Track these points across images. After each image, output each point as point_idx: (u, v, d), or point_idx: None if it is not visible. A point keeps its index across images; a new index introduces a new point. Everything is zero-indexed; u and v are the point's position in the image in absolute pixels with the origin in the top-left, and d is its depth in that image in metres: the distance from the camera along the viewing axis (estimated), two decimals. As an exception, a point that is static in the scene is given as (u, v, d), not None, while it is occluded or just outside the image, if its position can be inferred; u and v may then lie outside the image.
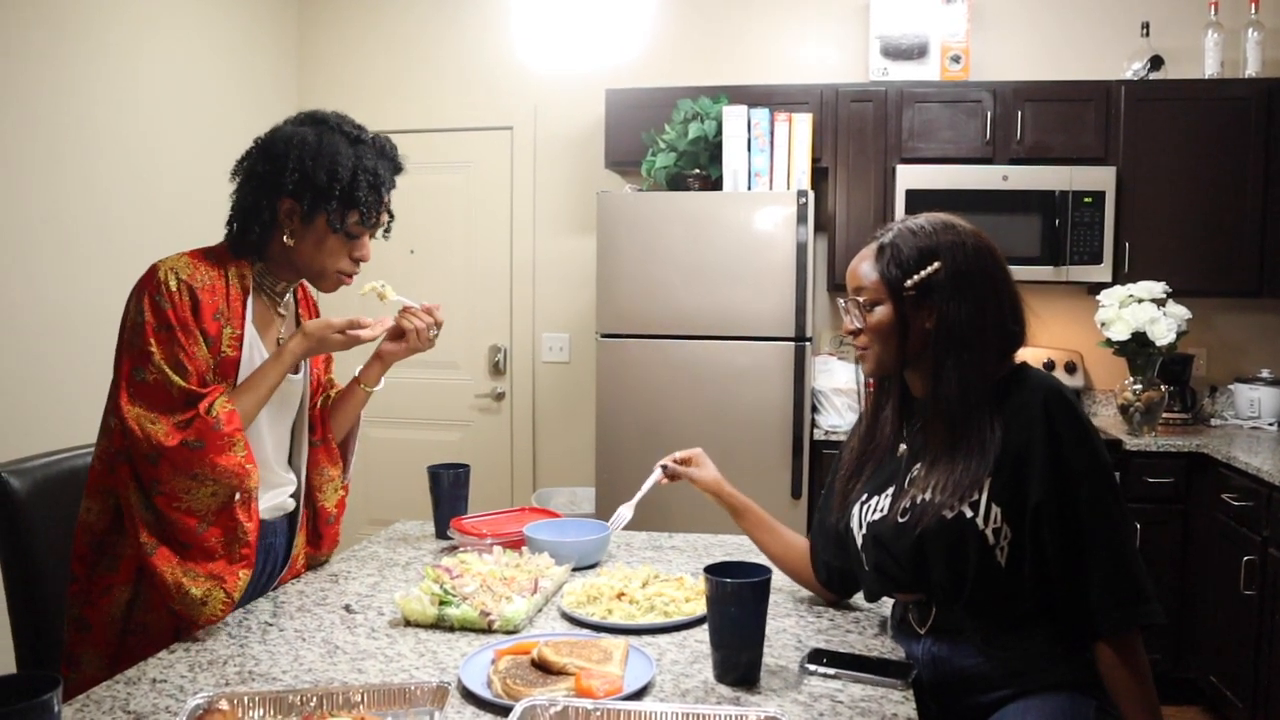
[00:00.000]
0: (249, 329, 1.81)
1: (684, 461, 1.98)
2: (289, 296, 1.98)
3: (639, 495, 2.04)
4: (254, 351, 1.81)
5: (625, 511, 2.08)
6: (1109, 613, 1.50)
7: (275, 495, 1.94)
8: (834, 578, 1.82)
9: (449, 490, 2.27)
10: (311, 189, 1.79)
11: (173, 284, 1.72)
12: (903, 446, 1.70)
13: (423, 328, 2.01)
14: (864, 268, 1.67)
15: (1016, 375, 1.64)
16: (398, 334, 2.03)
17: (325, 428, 2.08)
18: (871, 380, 1.77)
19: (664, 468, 1.99)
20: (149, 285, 1.73)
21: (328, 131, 1.84)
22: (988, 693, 1.57)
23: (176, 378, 1.69)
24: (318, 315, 2.08)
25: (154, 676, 1.48)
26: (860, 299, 1.66)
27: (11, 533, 1.87)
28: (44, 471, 1.92)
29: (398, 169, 1.93)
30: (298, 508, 2.01)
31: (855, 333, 1.68)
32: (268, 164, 1.81)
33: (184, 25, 3.95)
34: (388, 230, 1.96)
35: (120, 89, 3.52)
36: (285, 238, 1.83)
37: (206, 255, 1.82)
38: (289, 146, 1.81)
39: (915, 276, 1.61)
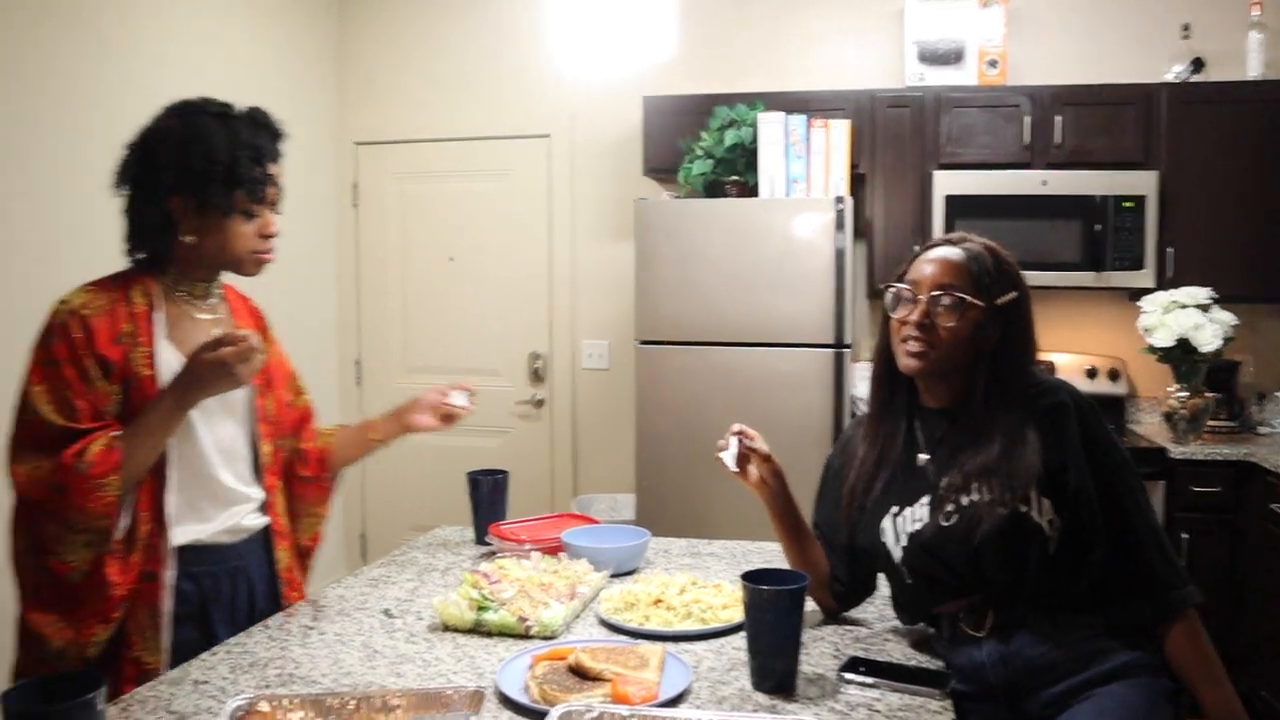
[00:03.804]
0: (159, 344, 1.72)
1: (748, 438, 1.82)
2: (216, 299, 1.87)
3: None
4: (169, 366, 1.71)
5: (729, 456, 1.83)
6: (1165, 594, 1.57)
7: (233, 514, 1.82)
8: (840, 587, 1.82)
9: (488, 496, 2.29)
10: (193, 178, 1.70)
11: (62, 316, 1.66)
12: (923, 456, 1.70)
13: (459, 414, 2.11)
14: (955, 268, 1.65)
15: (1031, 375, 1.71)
16: (435, 412, 2.08)
17: (321, 466, 2.02)
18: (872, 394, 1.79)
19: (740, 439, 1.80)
20: (45, 325, 1.68)
21: (194, 115, 1.75)
22: (1060, 681, 1.56)
23: (56, 417, 1.61)
24: (260, 321, 2.00)
25: (196, 678, 1.50)
26: (955, 295, 1.63)
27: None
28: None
29: (277, 137, 1.84)
30: (269, 524, 1.90)
31: (925, 327, 1.64)
32: (143, 167, 1.73)
33: (225, 35, 4.02)
34: (275, 203, 1.84)
35: (161, 101, 3.58)
36: (186, 236, 1.74)
37: (109, 281, 1.75)
38: (159, 142, 1.73)
39: (1005, 297, 1.65)
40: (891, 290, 1.71)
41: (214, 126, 1.73)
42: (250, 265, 1.81)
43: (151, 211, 1.73)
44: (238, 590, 1.83)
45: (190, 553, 1.74)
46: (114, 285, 1.74)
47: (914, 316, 1.65)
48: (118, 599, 1.64)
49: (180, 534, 1.72)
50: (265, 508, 1.89)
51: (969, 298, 1.63)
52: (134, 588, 1.66)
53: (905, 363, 1.67)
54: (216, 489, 1.79)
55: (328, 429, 2.10)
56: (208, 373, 1.64)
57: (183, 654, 1.65)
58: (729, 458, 1.78)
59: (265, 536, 1.89)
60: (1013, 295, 1.66)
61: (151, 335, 1.72)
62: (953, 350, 1.64)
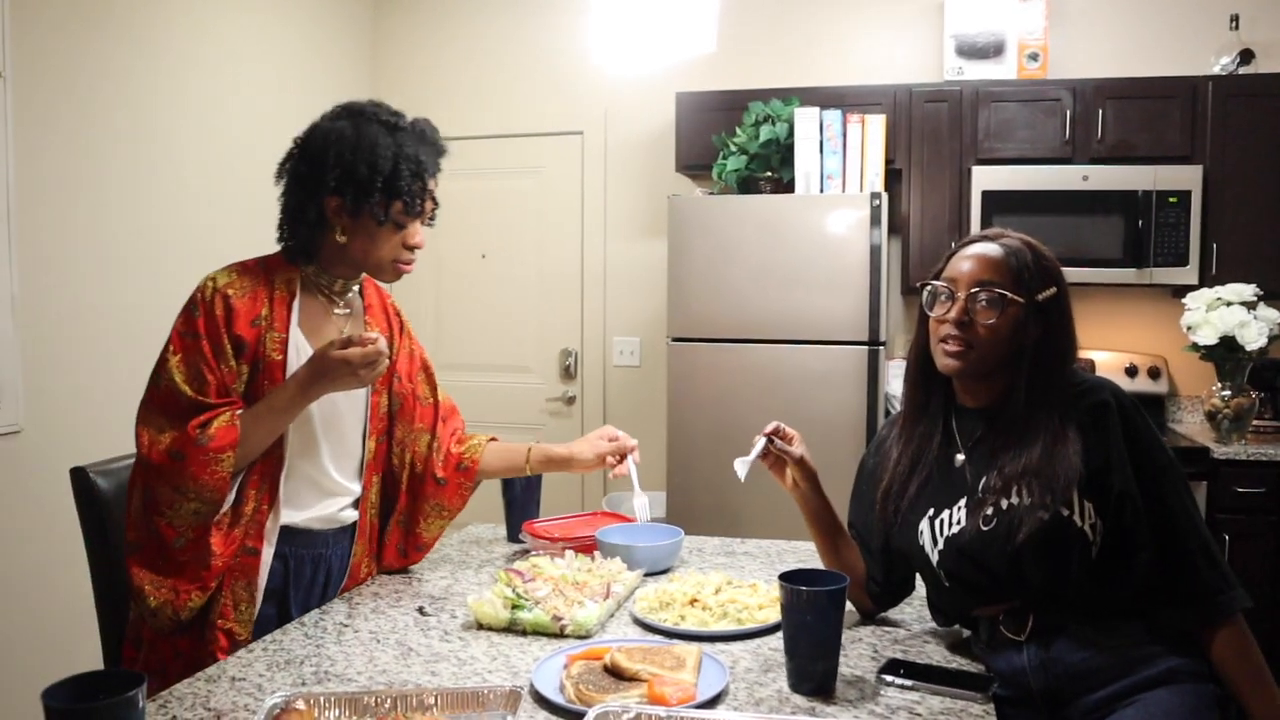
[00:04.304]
0: (293, 331, 1.79)
1: (786, 439, 1.80)
2: (353, 294, 1.94)
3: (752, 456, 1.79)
4: (299, 354, 1.78)
5: (741, 467, 1.79)
6: (1212, 599, 1.53)
7: (328, 505, 1.88)
8: (876, 588, 1.79)
9: (521, 494, 2.29)
10: (354, 183, 1.75)
11: (208, 293, 1.74)
12: (959, 457, 1.67)
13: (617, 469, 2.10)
14: (994, 264, 1.62)
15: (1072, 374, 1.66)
16: (594, 457, 2.10)
17: (464, 475, 2.04)
18: (907, 393, 1.76)
19: (770, 440, 1.78)
20: (191, 298, 1.76)
21: (365, 122, 1.80)
22: (1103, 686, 1.54)
23: (186, 388, 1.68)
24: (395, 318, 2.06)
25: (233, 675, 1.50)
26: (994, 291, 1.59)
27: (99, 530, 1.92)
28: (129, 472, 1.95)
29: (440, 152, 1.89)
30: (358, 521, 1.95)
31: (964, 325, 1.60)
32: (308, 164, 1.79)
33: (259, 36, 4.03)
34: (433, 218, 1.91)
35: (191, 99, 3.61)
36: (338, 236, 1.80)
37: (256, 264, 1.82)
38: (327, 143, 1.78)
39: (1045, 293, 1.61)
40: (929, 288, 1.67)
41: (382, 136, 1.79)
42: (390, 273, 1.87)
43: (309, 207, 1.79)
44: (316, 576, 1.89)
45: (283, 533, 1.80)
46: (260, 269, 1.82)
47: (952, 314, 1.62)
48: (216, 569, 1.71)
49: (281, 515, 1.79)
50: (358, 503, 1.94)
51: (1009, 294, 1.59)
52: (233, 560, 1.73)
53: (944, 362, 1.64)
54: (321, 478, 1.86)
55: (479, 439, 2.11)
56: (332, 370, 1.69)
57: (261, 630, 1.72)
58: (742, 466, 1.76)
59: (352, 530, 1.94)
60: (1053, 291, 1.62)
61: (287, 322, 1.79)
62: (992, 348, 1.61)
